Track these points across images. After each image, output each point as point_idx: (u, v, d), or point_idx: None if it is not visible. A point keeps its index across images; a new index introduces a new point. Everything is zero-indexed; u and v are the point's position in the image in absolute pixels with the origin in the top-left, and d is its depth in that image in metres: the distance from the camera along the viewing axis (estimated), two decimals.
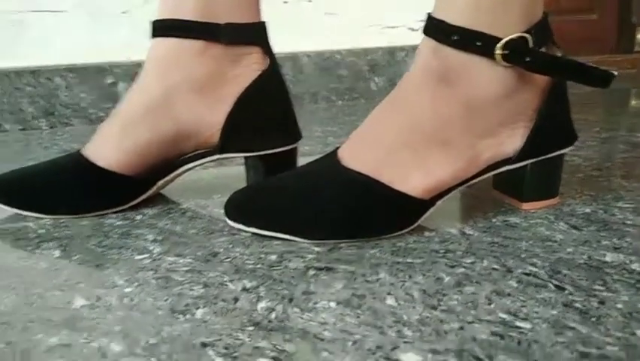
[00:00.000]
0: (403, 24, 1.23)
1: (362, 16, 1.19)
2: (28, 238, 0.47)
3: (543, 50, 0.46)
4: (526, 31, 0.44)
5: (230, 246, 0.45)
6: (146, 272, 0.40)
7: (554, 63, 0.45)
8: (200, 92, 0.51)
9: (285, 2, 1.10)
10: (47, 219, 0.51)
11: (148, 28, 0.51)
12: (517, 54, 0.44)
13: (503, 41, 0.43)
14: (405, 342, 0.31)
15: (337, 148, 0.48)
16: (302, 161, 0.56)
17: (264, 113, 0.54)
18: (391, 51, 1.21)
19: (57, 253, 0.44)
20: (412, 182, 0.45)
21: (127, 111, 0.51)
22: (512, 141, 0.47)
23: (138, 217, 0.51)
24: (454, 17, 0.44)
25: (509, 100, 0.46)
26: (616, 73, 0.44)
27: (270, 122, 0.54)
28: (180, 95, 0.51)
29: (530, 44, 0.44)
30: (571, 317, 0.33)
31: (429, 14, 0.46)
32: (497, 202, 0.53)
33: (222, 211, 0.48)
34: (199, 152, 0.53)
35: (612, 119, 1.00)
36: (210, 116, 0.52)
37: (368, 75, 1.20)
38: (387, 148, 0.46)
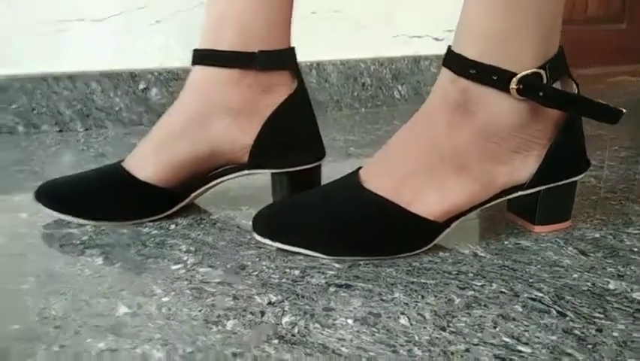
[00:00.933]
0: (427, 34, 1.25)
1: (389, 26, 1.21)
2: (73, 245, 0.51)
3: (558, 83, 0.49)
4: (541, 66, 0.47)
5: (257, 259, 0.48)
6: (181, 282, 0.44)
7: (566, 99, 0.47)
8: (235, 118, 0.55)
9: (314, 13, 1.13)
10: (89, 227, 0.55)
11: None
12: (531, 89, 0.46)
13: (518, 77, 0.46)
14: None
15: (359, 168, 0.52)
16: (324, 169, 0.60)
17: (291, 133, 0.57)
18: (416, 60, 1.23)
19: (100, 260, 0.48)
20: (429, 205, 0.48)
21: (166, 128, 0.55)
22: (526, 167, 0.50)
23: (172, 227, 0.55)
24: (472, 52, 0.47)
25: (524, 129, 0.49)
26: (624, 110, 0.47)
27: (295, 141, 0.58)
28: (218, 118, 0.55)
29: (544, 80, 0.47)
30: (569, 343, 0.36)
31: (449, 47, 0.49)
32: (510, 224, 0.56)
33: (250, 223, 0.52)
34: (230, 167, 0.57)
35: (634, 136, 1.01)
36: (243, 139, 0.56)
37: (392, 83, 1.22)
38: (406, 171, 0.49)
